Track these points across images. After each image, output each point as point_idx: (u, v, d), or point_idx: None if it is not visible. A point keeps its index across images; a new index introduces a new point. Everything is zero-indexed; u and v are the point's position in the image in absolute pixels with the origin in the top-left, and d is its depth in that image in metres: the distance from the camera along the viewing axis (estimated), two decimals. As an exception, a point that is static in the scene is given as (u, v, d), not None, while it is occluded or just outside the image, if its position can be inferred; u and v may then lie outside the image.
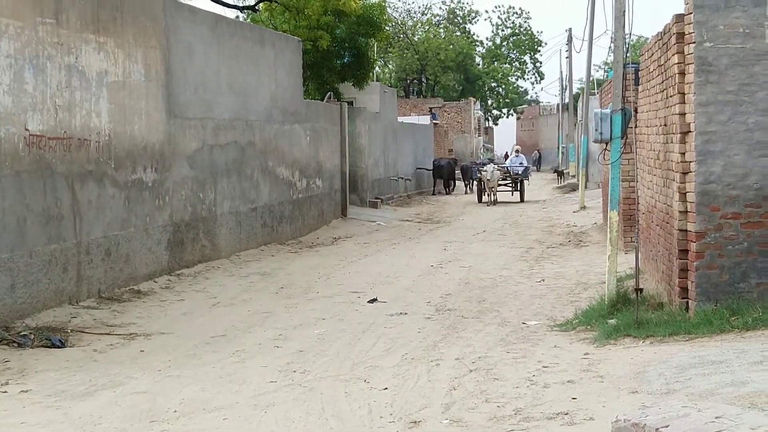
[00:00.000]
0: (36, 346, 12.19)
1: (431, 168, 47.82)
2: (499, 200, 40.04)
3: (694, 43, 11.36)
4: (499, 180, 40.01)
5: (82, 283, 14.92)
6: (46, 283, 13.92)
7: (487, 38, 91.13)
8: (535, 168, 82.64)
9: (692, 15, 11.38)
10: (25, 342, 12.21)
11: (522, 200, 40.95)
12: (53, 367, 11.18)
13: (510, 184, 41.78)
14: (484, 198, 40.39)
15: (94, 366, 11.31)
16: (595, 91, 42.96)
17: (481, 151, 77.51)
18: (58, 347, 12.18)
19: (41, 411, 9.35)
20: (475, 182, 43.66)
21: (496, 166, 41.06)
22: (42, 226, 13.89)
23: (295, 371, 10.77)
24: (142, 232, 16.94)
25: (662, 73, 13.12)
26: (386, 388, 9.76)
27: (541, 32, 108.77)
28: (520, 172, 41.82)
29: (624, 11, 13.32)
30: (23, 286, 13.33)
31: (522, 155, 44.31)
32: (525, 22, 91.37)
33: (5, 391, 10.11)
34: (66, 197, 14.52)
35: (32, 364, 11.33)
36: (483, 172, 40.09)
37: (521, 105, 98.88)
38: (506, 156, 45.89)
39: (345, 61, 34.25)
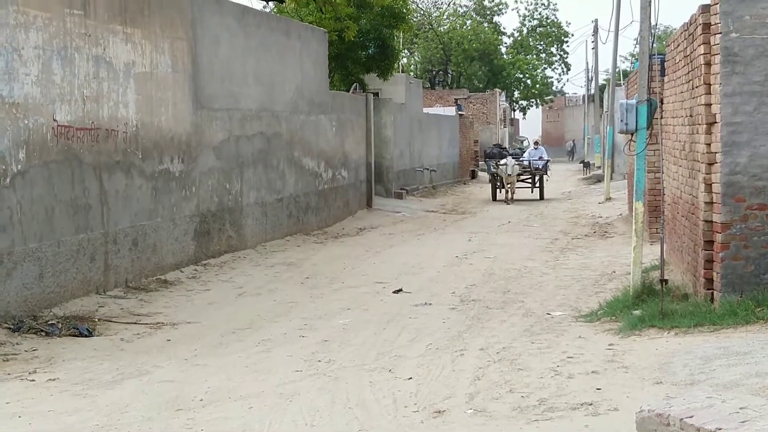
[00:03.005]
0: (64, 335, 12.30)
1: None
2: (516, 198, 36.45)
3: (720, 33, 11.32)
4: (517, 175, 36.50)
5: (110, 273, 15.02)
6: (74, 273, 14.03)
7: (514, 29, 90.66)
8: (569, 159, 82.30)
9: (718, 5, 11.34)
10: (53, 331, 12.31)
11: (541, 197, 37.40)
12: (80, 356, 11.28)
13: (528, 180, 38.12)
14: (500, 195, 37.02)
15: (121, 355, 11.40)
16: (621, 82, 42.82)
17: (514, 142, 77.31)
18: (86, 336, 12.27)
19: (69, 399, 9.43)
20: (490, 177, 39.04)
21: (515, 160, 37.02)
22: (70, 216, 13.99)
23: (320, 361, 10.82)
24: (169, 223, 17.03)
25: (688, 63, 13.08)
26: (411, 378, 9.79)
27: (569, 23, 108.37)
28: (540, 167, 38.07)
29: (650, 2, 13.28)
30: (51, 276, 13.44)
31: (542, 147, 41.01)
32: (552, 13, 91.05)
33: (33, 380, 10.21)
34: (94, 187, 14.62)
35: (60, 352, 11.44)
36: (501, 166, 36.11)
37: (548, 96, 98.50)
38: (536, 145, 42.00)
39: (370, 52, 34.24)
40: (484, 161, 44.75)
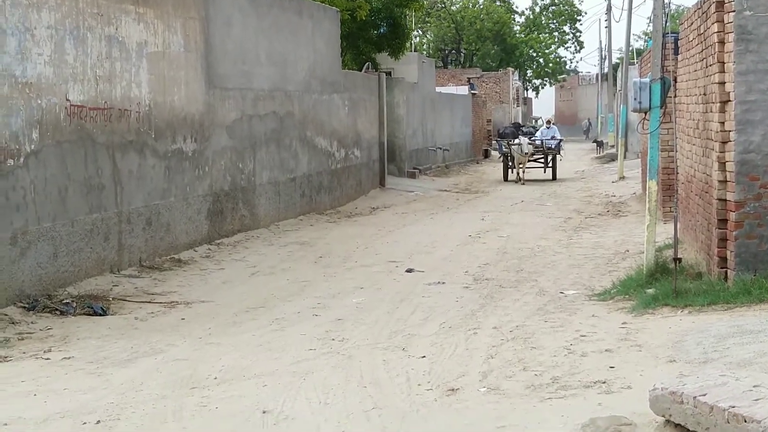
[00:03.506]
0: (78, 313, 12.35)
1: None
2: (528, 178, 35.59)
3: (734, 11, 11.27)
4: (530, 155, 35.55)
5: (124, 252, 15.07)
6: (88, 252, 14.07)
7: (526, 8, 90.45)
8: (585, 137, 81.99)
9: (732, -17, 11.28)
10: (68, 310, 12.37)
11: (554, 178, 36.28)
12: (95, 335, 11.33)
13: (541, 160, 36.91)
14: (511, 175, 36.15)
15: (135, 333, 11.45)
16: (635, 60, 42.64)
17: (528, 121, 77.11)
18: (100, 315, 12.33)
19: (83, 377, 9.48)
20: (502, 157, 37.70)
21: (527, 139, 36.16)
22: (83, 195, 14.02)
23: (333, 339, 10.84)
24: (182, 202, 17.06)
25: (702, 42, 13.02)
26: (424, 357, 9.81)
27: (582, 2, 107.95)
28: (552, 146, 36.69)
29: (664, -21, 13.21)
30: (65, 255, 13.49)
31: (554, 126, 39.80)
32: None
33: (48, 358, 10.26)
34: (107, 167, 14.65)
35: (74, 331, 11.49)
36: (513, 146, 35.22)
37: (561, 75, 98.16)
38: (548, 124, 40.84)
39: (381, 31, 34.18)
40: (496, 141, 44.19)
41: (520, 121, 69.30)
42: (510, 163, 36.25)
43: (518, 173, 35.27)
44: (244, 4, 19.97)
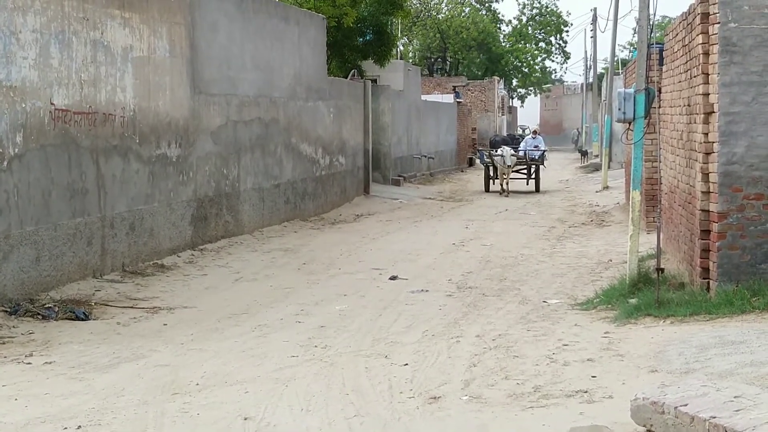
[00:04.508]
0: (60, 318, 12.30)
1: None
2: (511, 189, 34.00)
3: (719, 23, 11.31)
4: (513, 166, 34.07)
5: (107, 257, 15.03)
6: (71, 257, 14.03)
7: (514, 17, 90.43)
8: (574, 147, 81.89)
9: (717, -5, 11.33)
10: (50, 314, 12.32)
11: (537, 190, 34.97)
12: (77, 339, 11.29)
13: (524, 171, 35.65)
14: (493, 186, 34.89)
15: (117, 339, 11.41)
16: (620, 71, 42.78)
17: (519, 130, 77.12)
18: (82, 320, 12.28)
19: (65, 382, 9.45)
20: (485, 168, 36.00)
21: (511, 150, 34.24)
22: (67, 199, 13.99)
23: (316, 346, 10.83)
24: (166, 207, 17.03)
25: (687, 53, 13.08)
26: (406, 364, 9.81)
27: (570, 13, 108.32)
28: (536, 157, 35.61)
29: (649, -9, 13.26)
30: (48, 259, 13.45)
31: (540, 137, 38.54)
32: (552, 2, 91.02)
33: (29, 363, 10.21)
34: (91, 171, 14.62)
35: (56, 336, 11.44)
36: (496, 157, 33.74)
37: (546, 84, 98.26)
38: (534, 134, 39.34)
39: (367, 38, 34.21)
40: (478, 151, 43.04)
41: (505, 130, 69.39)
42: (492, 174, 35.08)
43: (502, 185, 33.82)
44: (231, 9, 19.96)
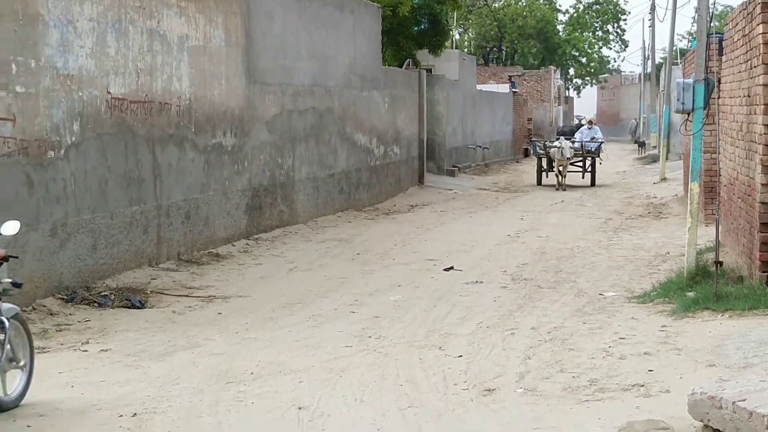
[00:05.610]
0: (116, 306, 12.40)
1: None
2: (567, 184, 31.87)
3: (781, 12, 11.13)
4: (570, 158, 32.09)
5: (162, 245, 15.11)
6: (127, 245, 14.13)
7: (570, 6, 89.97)
8: (631, 138, 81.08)
9: (780, -16, 11.14)
10: (106, 302, 12.42)
11: (593, 184, 33.00)
12: (133, 328, 11.37)
13: (579, 164, 33.56)
14: (546, 179, 33.19)
15: (172, 327, 11.48)
16: (678, 60, 42.34)
17: (575, 121, 76.59)
18: (138, 308, 12.37)
19: (120, 370, 9.51)
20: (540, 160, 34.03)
21: (569, 142, 32.19)
22: (123, 188, 14.08)
23: (370, 337, 10.82)
24: (221, 196, 17.09)
25: (746, 43, 12.87)
26: (461, 356, 9.76)
27: (627, 1, 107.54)
28: (592, 149, 33.38)
29: (709, -21, 13.08)
30: (104, 247, 13.54)
31: (596, 127, 35.66)
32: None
33: (86, 350, 10.31)
34: (147, 160, 14.70)
35: (112, 324, 11.53)
36: (551, 149, 31.91)
37: (603, 74, 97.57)
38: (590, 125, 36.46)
39: (422, 27, 34.12)
40: (532, 141, 41.63)
41: (561, 122, 68.91)
42: (545, 167, 33.43)
43: (558, 179, 31.98)
44: (286, -1, 19.98)
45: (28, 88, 12.03)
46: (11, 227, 8.47)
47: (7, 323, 8.03)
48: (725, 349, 9.34)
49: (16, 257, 8.84)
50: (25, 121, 11.89)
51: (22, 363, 8.33)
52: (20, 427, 7.79)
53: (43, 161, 12.26)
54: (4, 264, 8.27)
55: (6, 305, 8.18)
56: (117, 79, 13.91)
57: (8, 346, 8.12)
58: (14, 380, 8.27)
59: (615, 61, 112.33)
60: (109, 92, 13.69)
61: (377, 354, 9.98)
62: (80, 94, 13.04)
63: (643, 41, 79.46)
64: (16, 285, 8.32)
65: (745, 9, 13.05)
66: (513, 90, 55.50)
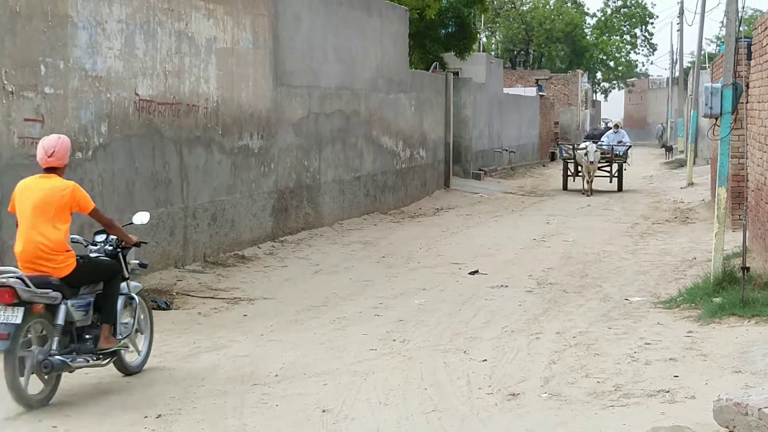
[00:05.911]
0: (142, 307, 12.42)
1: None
2: (593, 189, 31.15)
3: (811, 17, 11.07)
4: (597, 162, 31.15)
5: (188, 247, 15.16)
6: (153, 246, 14.16)
7: (598, 10, 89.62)
8: (658, 143, 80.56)
9: (809, -12, 11.08)
10: (132, 303, 12.45)
11: (620, 189, 32.44)
12: (158, 329, 11.34)
13: (606, 168, 32.63)
14: (572, 184, 32.65)
15: (198, 329, 11.51)
16: (707, 65, 42.16)
17: (602, 124, 76.39)
18: (164, 309, 12.40)
19: (146, 371, 9.54)
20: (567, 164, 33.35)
21: (595, 145, 31.24)
22: (150, 189, 14.13)
23: (394, 340, 10.82)
24: (248, 198, 17.13)
25: (776, 47, 12.82)
26: (485, 360, 9.76)
27: (654, 5, 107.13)
28: (620, 153, 32.75)
29: (738, -16, 13.01)
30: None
31: (623, 131, 34.71)
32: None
33: (112, 351, 10.34)
34: (174, 162, 14.75)
35: (138, 324, 11.56)
36: (578, 152, 31.35)
37: (631, 78, 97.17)
38: (616, 128, 34.93)
39: (449, 30, 34.10)
40: (558, 144, 41.38)
41: (589, 126, 68.62)
42: (572, 171, 32.85)
43: (584, 184, 31.51)
44: (313, 1, 20.00)
45: (57, 89, 12.11)
46: (143, 217, 9.82)
47: (137, 299, 9.41)
48: (751, 356, 9.29)
49: (146, 243, 10.35)
50: (53, 122, 11.94)
51: (145, 333, 9.62)
52: (46, 427, 7.84)
53: (70, 162, 12.27)
54: (132, 248, 9.44)
55: (133, 283, 9.50)
56: (145, 80, 13.97)
57: (136, 318, 9.38)
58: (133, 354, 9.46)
59: (643, 65, 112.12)
60: (137, 94, 13.75)
61: (402, 357, 9.99)
62: (108, 95, 13.10)
63: (671, 45, 79.16)
64: (143, 265, 9.73)
65: (774, 14, 12.99)
66: (540, 93, 55.34)
